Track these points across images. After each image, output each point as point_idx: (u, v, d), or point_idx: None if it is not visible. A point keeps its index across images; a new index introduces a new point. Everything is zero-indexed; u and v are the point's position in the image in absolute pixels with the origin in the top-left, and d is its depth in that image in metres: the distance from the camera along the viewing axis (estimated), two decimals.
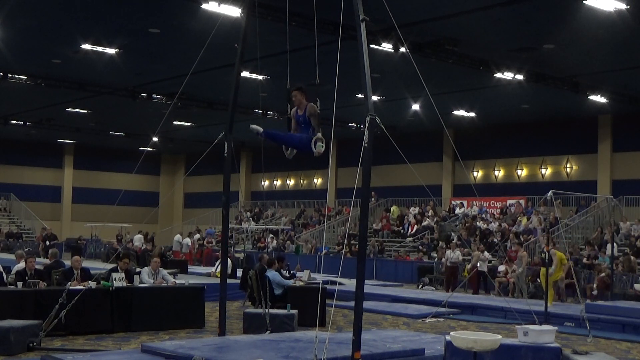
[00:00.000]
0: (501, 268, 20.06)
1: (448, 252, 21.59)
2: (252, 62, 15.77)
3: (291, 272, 16.55)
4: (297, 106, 8.50)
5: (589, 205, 25.58)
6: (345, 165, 32.71)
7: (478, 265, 19.70)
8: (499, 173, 29.98)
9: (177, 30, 17.19)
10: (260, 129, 8.57)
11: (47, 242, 29.58)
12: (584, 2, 14.11)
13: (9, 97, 26.34)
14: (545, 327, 9.62)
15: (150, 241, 30.38)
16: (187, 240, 30.64)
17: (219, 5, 14.50)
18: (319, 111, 8.42)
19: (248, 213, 36.26)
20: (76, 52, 19.51)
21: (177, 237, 31.01)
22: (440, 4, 14.95)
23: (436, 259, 23.51)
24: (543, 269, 15.46)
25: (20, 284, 11.12)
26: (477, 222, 26.53)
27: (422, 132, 29.18)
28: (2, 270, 12.52)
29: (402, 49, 16.51)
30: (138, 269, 14.67)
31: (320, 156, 8.75)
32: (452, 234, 25.79)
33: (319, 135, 8.37)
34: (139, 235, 30.26)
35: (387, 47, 16.87)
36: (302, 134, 8.44)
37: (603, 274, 18.29)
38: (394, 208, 31.00)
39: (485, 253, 20.71)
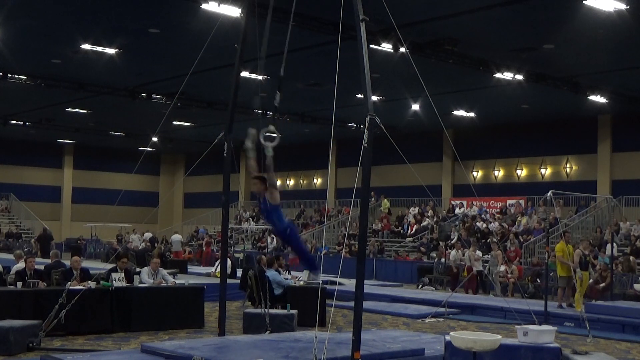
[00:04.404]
0: (501, 268, 20.05)
1: (453, 252, 21.57)
2: (252, 62, 15.76)
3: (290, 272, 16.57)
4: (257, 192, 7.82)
5: (589, 205, 25.59)
6: (345, 165, 32.71)
7: (473, 265, 19.69)
8: (499, 173, 29.99)
9: (177, 30, 17.18)
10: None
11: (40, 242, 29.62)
12: (584, 2, 14.10)
13: (9, 97, 26.34)
14: (544, 327, 9.62)
15: (149, 241, 30.41)
16: (179, 237, 30.67)
17: (219, 5, 14.50)
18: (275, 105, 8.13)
19: (247, 213, 36.26)
20: (76, 52, 19.51)
21: (177, 236, 31.00)
22: (440, 4, 14.95)
23: (436, 259, 23.51)
24: (585, 273, 15.09)
25: (20, 284, 11.12)
26: (477, 223, 26.53)
27: (422, 132, 29.17)
28: (1, 270, 12.54)
29: (402, 49, 16.51)
30: (138, 269, 14.68)
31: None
32: (453, 233, 25.74)
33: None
34: (146, 234, 30.57)
35: (386, 47, 16.87)
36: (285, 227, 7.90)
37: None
38: (384, 201, 30.87)
39: (478, 252, 20.70)
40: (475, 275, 19.63)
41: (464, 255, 21.50)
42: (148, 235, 31.56)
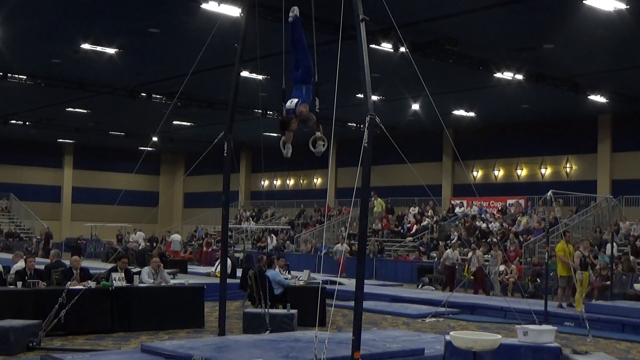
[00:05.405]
0: (501, 268, 20.06)
1: (448, 251, 21.56)
2: (252, 62, 15.77)
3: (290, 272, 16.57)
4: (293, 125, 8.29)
5: (589, 205, 25.58)
6: (345, 165, 32.72)
7: (483, 266, 19.64)
8: (499, 173, 29.98)
9: (177, 30, 17.19)
10: (296, 13, 8.41)
11: (42, 241, 29.72)
12: (584, 2, 14.11)
13: (9, 97, 26.35)
14: (545, 327, 9.62)
15: (148, 241, 30.41)
16: (178, 237, 30.63)
17: (219, 5, 14.51)
18: (315, 111, 8.37)
19: (247, 213, 36.27)
20: (76, 52, 19.52)
21: (176, 236, 31.02)
22: (440, 4, 14.96)
23: (435, 258, 23.51)
24: (586, 273, 15.18)
25: (20, 284, 11.12)
26: (477, 222, 26.53)
27: (422, 132, 29.18)
28: (1, 270, 12.53)
29: (402, 49, 16.51)
30: (138, 269, 14.68)
31: (320, 156, 8.74)
32: (454, 233, 25.72)
33: (319, 134, 8.34)
34: (139, 233, 30.45)
35: (386, 47, 16.87)
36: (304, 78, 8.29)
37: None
38: (378, 201, 30.57)
39: (478, 252, 20.69)
40: (482, 276, 19.58)
41: (465, 255, 21.51)
42: (141, 234, 31.55)
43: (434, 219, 28.34)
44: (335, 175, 34.56)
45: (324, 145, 8.26)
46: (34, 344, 9.59)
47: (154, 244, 29.82)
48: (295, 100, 8.20)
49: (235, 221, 34.30)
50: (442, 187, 30.71)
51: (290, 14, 8.45)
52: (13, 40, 18.42)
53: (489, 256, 20.97)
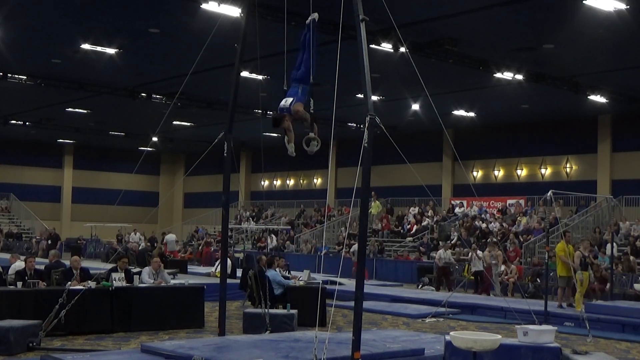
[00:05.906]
0: (501, 268, 20.04)
1: (440, 252, 21.55)
2: (252, 62, 15.77)
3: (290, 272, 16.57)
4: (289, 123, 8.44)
5: (589, 205, 25.59)
6: (345, 165, 32.71)
7: (491, 266, 19.57)
8: (499, 173, 29.99)
9: (177, 30, 17.19)
10: (315, 18, 8.61)
11: (49, 242, 29.74)
12: (584, 2, 14.11)
13: (9, 97, 26.35)
14: (545, 327, 9.63)
15: (150, 241, 30.41)
16: (174, 237, 30.63)
17: (219, 5, 14.51)
18: (310, 112, 8.42)
19: (247, 213, 36.27)
20: (76, 52, 19.52)
21: (172, 236, 30.99)
22: (440, 4, 14.96)
23: (435, 258, 23.50)
24: (586, 274, 15.16)
25: (20, 284, 11.12)
26: (477, 222, 26.52)
27: (422, 132, 29.17)
28: (1, 270, 12.53)
29: (402, 49, 16.52)
30: (138, 269, 14.68)
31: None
32: (454, 233, 25.71)
33: (312, 134, 8.37)
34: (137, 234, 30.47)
35: (386, 47, 16.87)
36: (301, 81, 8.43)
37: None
38: (375, 204, 30.13)
39: (478, 252, 20.71)
40: (487, 276, 19.55)
41: (466, 255, 21.47)
42: (137, 235, 31.52)
43: (434, 219, 28.34)
44: (335, 175, 34.55)
45: (317, 145, 8.32)
46: (34, 344, 9.60)
47: (154, 244, 29.81)
48: (290, 99, 8.31)
49: (235, 221, 34.30)
50: (442, 187, 30.72)
51: (311, 17, 8.66)
52: (13, 40, 18.42)
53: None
